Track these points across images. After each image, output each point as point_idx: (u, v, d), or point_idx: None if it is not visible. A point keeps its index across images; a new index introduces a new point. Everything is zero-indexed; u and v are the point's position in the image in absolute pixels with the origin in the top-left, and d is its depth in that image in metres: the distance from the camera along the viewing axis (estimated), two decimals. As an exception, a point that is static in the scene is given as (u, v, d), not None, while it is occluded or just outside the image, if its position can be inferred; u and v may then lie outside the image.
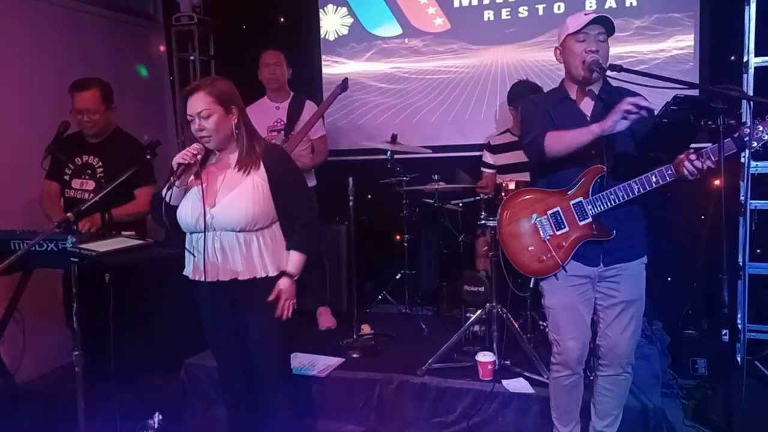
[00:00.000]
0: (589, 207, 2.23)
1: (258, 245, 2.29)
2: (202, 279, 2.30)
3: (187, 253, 2.38)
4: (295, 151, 3.58)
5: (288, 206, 2.35)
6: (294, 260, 2.36)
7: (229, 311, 2.36)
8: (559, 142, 2.20)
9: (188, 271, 2.39)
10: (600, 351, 2.44)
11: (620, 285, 2.31)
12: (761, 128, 2.04)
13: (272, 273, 2.32)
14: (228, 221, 2.26)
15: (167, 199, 2.28)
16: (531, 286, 2.40)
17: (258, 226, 2.29)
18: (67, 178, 3.28)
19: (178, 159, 2.23)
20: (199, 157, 2.25)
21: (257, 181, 2.29)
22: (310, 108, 3.89)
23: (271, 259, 2.32)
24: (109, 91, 3.29)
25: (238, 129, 2.30)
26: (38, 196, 3.31)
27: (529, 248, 2.33)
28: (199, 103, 2.23)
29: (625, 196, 2.18)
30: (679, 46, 3.94)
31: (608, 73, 2.18)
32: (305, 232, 2.37)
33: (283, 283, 2.33)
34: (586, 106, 2.29)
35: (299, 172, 2.46)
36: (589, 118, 2.27)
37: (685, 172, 2.09)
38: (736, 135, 2.03)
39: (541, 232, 2.32)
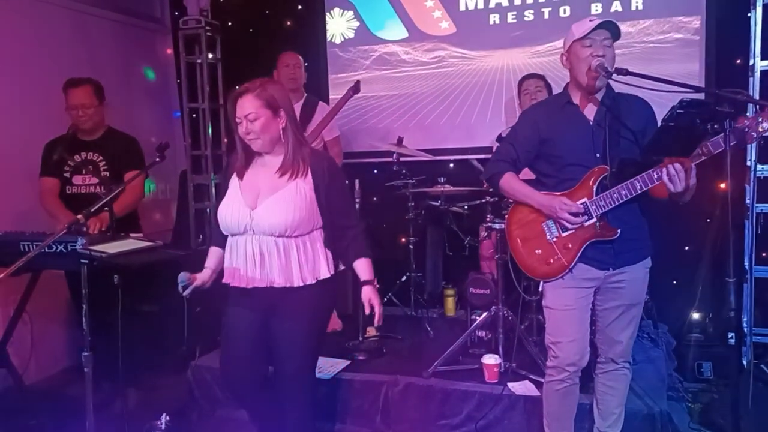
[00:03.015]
0: (594, 207, 2.24)
1: (297, 253, 2.28)
2: (238, 285, 2.30)
3: (225, 259, 2.37)
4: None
5: (336, 215, 2.35)
6: (365, 267, 2.36)
7: (259, 314, 2.33)
8: (511, 190, 2.40)
9: (226, 278, 2.35)
10: (598, 350, 2.45)
11: (624, 290, 2.32)
12: (761, 119, 2.03)
13: (309, 281, 2.29)
14: (268, 225, 2.24)
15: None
16: (540, 289, 2.39)
17: (297, 232, 2.27)
18: (67, 175, 3.32)
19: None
20: (187, 292, 2.30)
21: (301, 186, 2.28)
22: (322, 109, 3.93)
23: (308, 267, 2.29)
24: (101, 88, 3.37)
25: (285, 133, 2.29)
26: (39, 194, 3.35)
27: (537, 251, 2.34)
28: (247, 106, 2.23)
29: (628, 194, 2.19)
30: (685, 50, 3.94)
31: (614, 77, 2.19)
32: (361, 238, 2.38)
33: (368, 291, 2.33)
34: (590, 111, 2.30)
35: (345, 181, 2.45)
36: (592, 123, 2.28)
37: (665, 177, 2.10)
38: (736, 126, 2.02)
39: (547, 234, 2.33)
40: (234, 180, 2.36)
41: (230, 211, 2.30)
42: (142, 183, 3.42)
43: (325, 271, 2.33)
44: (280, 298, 2.29)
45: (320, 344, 2.45)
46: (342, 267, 2.43)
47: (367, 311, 2.33)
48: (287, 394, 2.37)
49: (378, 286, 2.38)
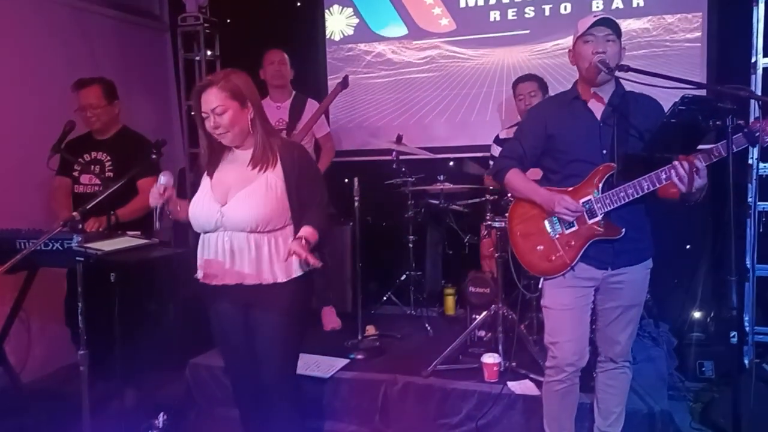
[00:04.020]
0: (599, 205, 2.22)
1: (269, 249, 2.21)
2: (207, 282, 2.27)
3: (198, 256, 2.32)
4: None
5: (304, 204, 2.25)
6: (306, 229, 2.18)
7: (237, 312, 2.30)
8: (516, 186, 2.37)
9: (198, 274, 2.32)
10: (598, 349, 2.44)
11: (623, 291, 2.30)
12: None
13: (281, 279, 2.23)
14: (239, 220, 2.19)
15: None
16: (540, 286, 2.38)
17: (270, 227, 2.21)
18: (76, 174, 3.30)
19: (151, 202, 2.21)
20: (167, 193, 2.20)
21: (272, 179, 2.21)
22: (311, 106, 3.90)
23: (280, 264, 2.23)
24: (112, 87, 3.32)
25: (253, 125, 2.23)
26: (48, 193, 3.33)
27: (538, 247, 2.32)
28: (212, 99, 2.15)
29: (635, 194, 2.17)
30: (687, 46, 3.92)
31: (617, 73, 2.17)
32: (319, 211, 2.25)
33: (293, 243, 2.15)
34: (598, 108, 2.28)
35: (318, 171, 2.37)
36: (599, 120, 2.26)
37: (674, 178, 2.08)
38: (746, 130, 2.01)
39: (550, 230, 2.31)
40: (205, 178, 2.31)
41: (200, 207, 2.26)
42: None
43: (298, 269, 2.25)
44: (252, 296, 2.24)
45: (299, 343, 2.39)
46: (319, 264, 2.22)
47: (283, 258, 2.20)
48: (271, 399, 2.33)
49: (308, 243, 2.15)
